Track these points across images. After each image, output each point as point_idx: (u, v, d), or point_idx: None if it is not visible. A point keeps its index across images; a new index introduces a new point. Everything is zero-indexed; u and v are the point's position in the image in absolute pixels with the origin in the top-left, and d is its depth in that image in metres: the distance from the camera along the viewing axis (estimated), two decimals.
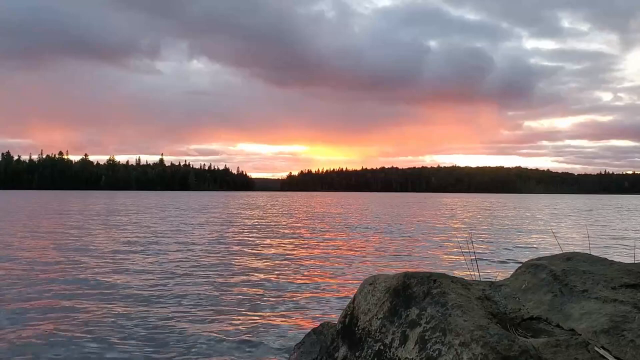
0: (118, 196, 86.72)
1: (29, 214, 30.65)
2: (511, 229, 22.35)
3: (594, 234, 19.48)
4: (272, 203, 62.12)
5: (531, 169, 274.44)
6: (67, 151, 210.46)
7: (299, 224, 24.48)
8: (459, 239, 15.67)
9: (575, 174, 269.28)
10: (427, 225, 24.14)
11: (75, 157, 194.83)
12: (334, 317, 5.21)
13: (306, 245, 15.10)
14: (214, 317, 6.48)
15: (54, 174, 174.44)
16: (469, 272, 4.25)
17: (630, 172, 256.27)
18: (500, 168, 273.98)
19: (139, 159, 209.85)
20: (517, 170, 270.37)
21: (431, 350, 2.50)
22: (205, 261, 11.34)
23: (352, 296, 3.55)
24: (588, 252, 3.43)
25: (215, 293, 7.93)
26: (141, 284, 8.59)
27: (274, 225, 23.79)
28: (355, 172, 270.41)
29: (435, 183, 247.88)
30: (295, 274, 9.93)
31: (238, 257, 12.11)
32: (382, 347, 2.84)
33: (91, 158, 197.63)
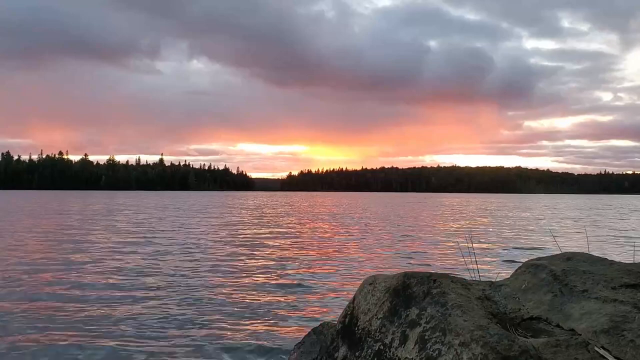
0: (118, 196, 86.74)
1: (28, 214, 30.65)
2: (511, 229, 22.35)
3: (593, 234, 19.48)
4: (272, 203, 62.12)
5: (531, 169, 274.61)
6: (67, 151, 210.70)
7: (298, 224, 24.48)
8: (458, 239, 15.68)
9: (575, 174, 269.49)
10: (427, 225, 24.14)
11: (75, 157, 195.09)
12: (334, 317, 5.21)
13: (306, 245, 15.10)
14: (213, 317, 6.47)
15: (54, 174, 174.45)
16: (468, 272, 4.25)
17: (630, 172, 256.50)
18: (500, 168, 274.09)
19: (139, 159, 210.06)
20: (517, 170, 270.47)
21: (431, 350, 2.50)
22: (204, 261, 11.34)
23: (352, 296, 3.55)
24: (588, 252, 3.43)
25: (214, 293, 7.93)
26: (140, 284, 8.59)
27: (274, 225, 23.79)
28: (355, 172, 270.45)
29: (435, 183, 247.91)
30: (294, 273, 9.93)
31: (237, 257, 12.11)
32: (382, 347, 2.84)
33: (91, 158, 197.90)
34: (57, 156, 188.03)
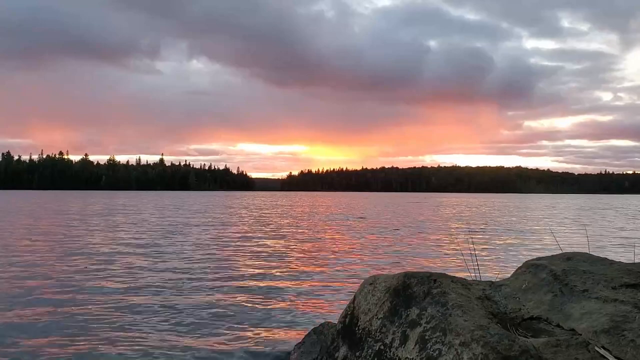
0: (118, 196, 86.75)
1: (27, 214, 30.66)
2: (511, 229, 22.35)
3: (594, 234, 19.47)
4: (272, 203, 62.13)
5: (531, 169, 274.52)
6: (67, 151, 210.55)
7: (298, 224, 24.49)
8: (459, 239, 15.68)
9: (576, 174, 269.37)
10: (427, 225, 24.14)
11: (75, 157, 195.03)
12: (334, 317, 5.21)
13: (305, 245, 15.10)
14: (212, 317, 6.47)
15: (54, 174, 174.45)
16: (469, 272, 4.25)
17: (631, 172, 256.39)
18: (501, 168, 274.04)
19: (139, 159, 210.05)
20: (517, 170, 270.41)
21: (431, 350, 2.50)
22: (203, 261, 11.34)
23: (352, 296, 3.55)
24: (588, 252, 3.43)
25: (213, 293, 7.93)
26: (133, 287, 8.58)
27: (274, 225, 23.80)
28: (355, 172, 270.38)
29: (435, 183, 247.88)
30: (294, 273, 9.93)
31: (236, 257, 12.11)
32: (382, 347, 2.85)
33: (91, 158, 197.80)
34: (57, 156, 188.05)
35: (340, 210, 41.20)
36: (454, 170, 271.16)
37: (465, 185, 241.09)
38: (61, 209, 37.99)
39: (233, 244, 15.16)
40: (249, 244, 15.22)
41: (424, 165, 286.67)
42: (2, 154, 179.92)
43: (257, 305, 7.16)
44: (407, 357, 2.63)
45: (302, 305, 7.24)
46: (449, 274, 3.21)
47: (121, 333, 5.76)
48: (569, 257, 3.26)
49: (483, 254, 12.57)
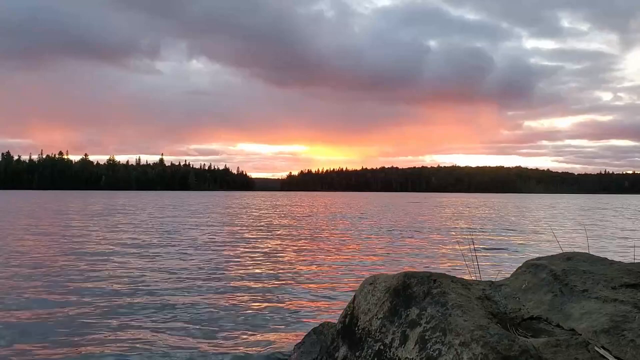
0: (118, 196, 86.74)
1: (27, 214, 30.65)
2: (511, 229, 22.35)
3: (593, 234, 19.48)
4: (272, 203, 62.13)
5: (531, 169, 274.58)
6: (67, 151, 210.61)
7: (298, 224, 24.48)
8: (459, 239, 15.68)
9: (575, 174, 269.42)
10: (427, 225, 24.14)
11: (75, 157, 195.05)
12: (334, 317, 5.21)
13: (305, 245, 15.10)
14: (211, 317, 6.47)
15: (54, 174, 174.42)
16: (468, 272, 4.25)
17: (630, 172, 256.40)
18: (500, 168, 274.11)
19: (139, 159, 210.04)
20: (517, 170, 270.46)
21: (431, 350, 2.50)
22: (202, 261, 11.34)
23: (352, 296, 3.55)
24: (588, 252, 3.43)
25: (212, 293, 7.93)
26: (131, 289, 8.57)
27: (273, 225, 23.80)
28: (355, 172, 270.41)
29: (435, 183, 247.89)
30: (294, 273, 9.93)
31: (236, 257, 12.11)
32: (382, 347, 2.85)
33: (91, 158, 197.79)
34: (57, 156, 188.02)
35: (340, 210, 41.20)
36: (454, 170, 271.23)
37: (465, 185, 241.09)
38: (61, 209, 37.99)
39: (232, 244, 15.16)
40: (248, 244, 15.22)
41: (424, 165, 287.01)
42: (2, 154, 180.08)
43: (256, 305, 7.16)
44: (407, 357, 2.63)
45: (302, 305, 7.24)
46: (448, 274, 3.21)
47: (120, 335, 5.73)
48: (568, 257, 3.25)
49: (483, 253, 12.57)
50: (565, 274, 2.92)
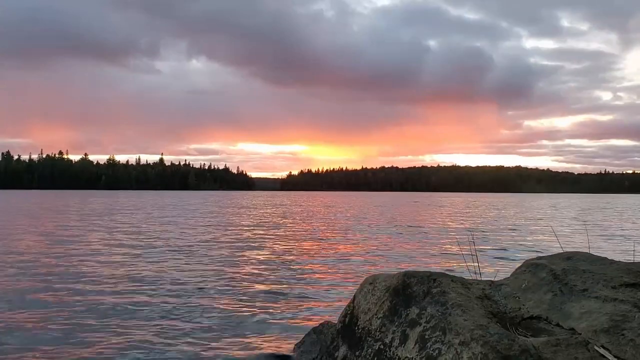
0: (118, 196, 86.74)
1: (27, 214, 30.65)
2: (511, 228, 22.36)
3: (593, 234, 19.48)
4: (272, 203, 62.13)
5: (531, 169, 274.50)
6: (67, 151, 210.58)
7: (298, 224, 24.49)
8: (458, 239, 15.67)
9: (575, 173, 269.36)
10: (427, 225, 24.14)
11: (75, 157, 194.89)
12: (334, 316, 5.21)
13: (305, 245, 15.11)
14: (210, 317, 6.47)
15: (54, 174, 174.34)
16: (469, 272, 4.25)
17: (630, 172, 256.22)
18: (500, 167, 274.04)
19: (139, 159, 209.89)
20: (517, 169, 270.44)
21: (431, 349, 2.50)
22: (202, 260, 11.34)
23: (352, 296, 3.55)
24: (588, 251, 3.43)
25: (212, 293, 7.93)
26: (129, 290, 8.58)
27: (273, 224, 23.80)
28: (355, 171, 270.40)
29: (435, 182, 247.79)
30: (294, 273, 9.93)
31: (235, 257, 12.11)
32: (382, 347, 2.85)
33: (91, 158, 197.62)
34: (57, 156, 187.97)
35: (339, 210, 41.20)
36: (454, 169, 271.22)
37: (465, 185, 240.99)
38: (60, 208, 37.99)
39: (232, 244, 15.16)
40: (247, 244, 15.22)
41: (424, 165, 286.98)
42: (2, 153, 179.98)
43: (256, 305, 7.16)
44: (406, 357, 2.63)
45: (302, 305, 7.24)
46: (448, 273, 3.21)
47: (118, 338, 5.70)
48: (568, 256, 3.26)
49: (483, 253, 12.58)
50: (565, 273, 2.92)
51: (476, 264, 4.14)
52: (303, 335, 4.84)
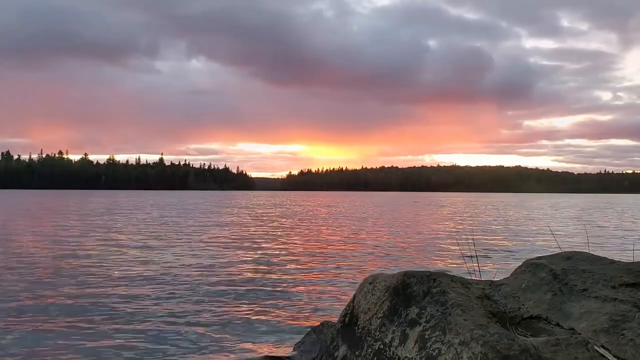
0: (117, 196, 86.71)
1: (25, 213, 30.65)
2: (511, 228, 22.36)
3: (593, 233, 19.49)
4: (271, 203, 62.13)
5: (531, 168, 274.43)
6: (67, 150, 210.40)
7: (298, 224, 24.49)
8: (458, 238, 15.67)
9: (575, 173, 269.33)
10: (427, 225, 24.15)
11: (75, 157, 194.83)
12: (334, 316, 5.22)
13: (305, 245, 15.11)
14: (211, 317, 6.48)
15: (53, 174, 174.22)
16: (468, 271, 4.25)
17: (630, 172, 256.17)
18: (500, 167, 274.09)
19: (139, 159, 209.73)
20: (516, 169, 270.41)
21: (431, 349, 2.50)
22: (201, 260, 11.35)
23: (352, 295, 3.55)
24: (588, 251, 3.43)
25: (212, 293, 7.93)
26: (127, 291, 8.57)
27: (273, 225, 23.80)
28: (355, 171, 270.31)
29: (435, 182, 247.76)
30: (294, 273, 9.93)
31: (235, 257, 12.12)
32: (382, 346, 2.85)
33: (91, 157, 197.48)
34: (56, 156, 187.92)
35: (339, 210, 41.20)
36: (454, 169, 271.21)
37: (465, 185, 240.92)
38: (60, 208, 37.98)
39: (232, 244, 15.16)
40: (247, 244, 15.22)
41: (424, 165, 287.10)
42: (2, 153, 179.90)
43: (256, 305, 7.16)
44: (406, 356, 2.63)
45: (302, 305, 7.24)
46: (448, 273, 3.21)
47: (114, 339, 5.66)
48: (568, 256, 3.26)
49: (482, 253, 12.58)
50: (565, 273, 2.92)
51: (476, 264, 4.14)
52: (303, 335, 4.84)
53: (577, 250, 3.43)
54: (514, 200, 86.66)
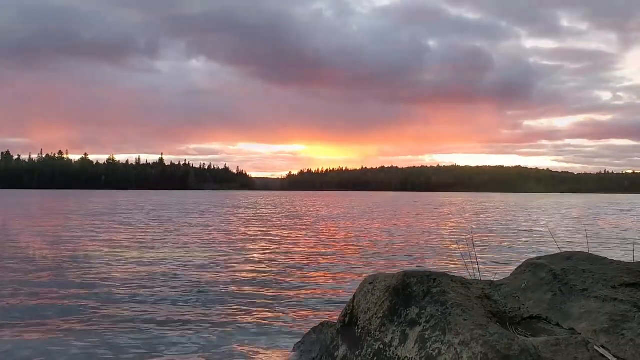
0: (117, 196, 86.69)
1: (25, 213, 30.65)
2: (511, 228, 22.36)
3: (593, 233, 19.48)
4: (271, 202, 62.13)
5: (531, 168, 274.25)
6: (67, 150, 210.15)
7: (298, 224, 24.49)
8: (458, 238, 15.67)
9: (575, 173, 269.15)
10: (427, 225, 24.14)
11: (75, 157, 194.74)
12: (334, 316, 5.21)
13: (305, 245, 15.11)
14: (211, 317, 6.48)
15: (53, 174, 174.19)
16: (468, 272, 4.25)
17: (630, 172, 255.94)
18: (500, 167, 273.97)
19: (139, 158, 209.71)
20: (516, 169, 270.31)
21: (431, 349, 2.50)
22: (201, 260, 11.34)
23: (352, 295, 3.55)
24: (588, 251, 3.43)
25: (212, 293, 7.93)
26: (127, 291, 8.57)
27: (273, 224, 23.80)
28: (355, 171, 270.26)
29: (435, 182, 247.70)
30: (294, 273, 9.93)
31: (235, 257, 12.12)
32: (382, 346, 2.85)
33: (91, 157, 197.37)
34: (56, 155, 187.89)
35: (339, 210, 41.20)
36: (454, 169, 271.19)
37: (464, 185, 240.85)
38: (60, 209, 37.98)
39: (231, 244, 15.16)
40: (247, 244, 15.22)
41: (424, 165, 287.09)
42: (2, 153, 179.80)
43: (256, 305, 7.16)
44: (406, 356, 2.63)
45: (302, 305, 7.24)
46: (448, 273, 3.21)
47: (113, 340, 5.64)
48: (568, 256, 3.26)
49: (482, 253, 12.58)
50: (565, 273, 2.92)
51: (476, 264, 4.14)
52: (303, 335, 4.84)
53: (577, 250, 3.44)
54: (513, 200, 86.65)
